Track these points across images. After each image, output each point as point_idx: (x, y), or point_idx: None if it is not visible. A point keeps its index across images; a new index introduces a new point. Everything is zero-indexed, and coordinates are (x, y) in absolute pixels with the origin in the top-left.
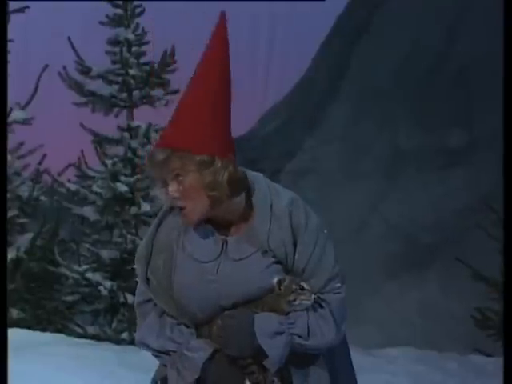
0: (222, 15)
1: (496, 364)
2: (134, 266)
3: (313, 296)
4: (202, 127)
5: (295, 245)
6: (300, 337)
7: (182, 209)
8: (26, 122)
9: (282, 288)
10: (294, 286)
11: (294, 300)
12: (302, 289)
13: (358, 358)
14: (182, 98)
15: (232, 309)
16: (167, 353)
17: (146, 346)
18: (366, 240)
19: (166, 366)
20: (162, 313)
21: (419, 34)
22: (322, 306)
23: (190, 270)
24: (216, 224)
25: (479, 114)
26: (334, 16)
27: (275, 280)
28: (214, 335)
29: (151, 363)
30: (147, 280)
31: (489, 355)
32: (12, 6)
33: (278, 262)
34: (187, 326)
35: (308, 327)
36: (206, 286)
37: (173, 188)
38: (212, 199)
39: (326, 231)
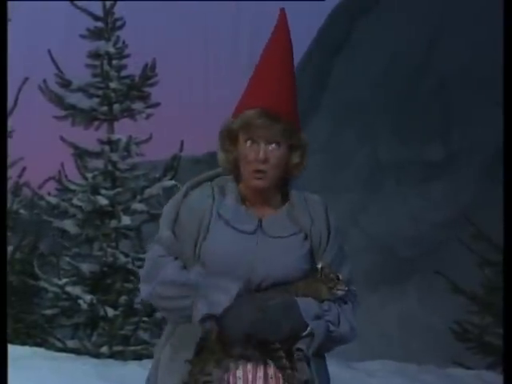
0: (282, 11)
1: (475, 377)
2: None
3: (346, 288)
4: (297, 109)
5: (328, 240)
6: (332, 324)
7: (259, 171)
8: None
9: (323, 274)
10: (332, 275)
11: (333, 288)
12: (338, 279)
13: (337, 370)
14: (275, 71)
15: (259, 286)
16: (194, 287)
17: (171, 283)
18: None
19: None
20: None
21: (399, 49)
22: (346, 302)
23: (228, 237)
24: (250, 203)
25: (458, 127)
26: (314, 30)
27: (320, 265)
28: (243, 320)
29: (130, 377)
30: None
31: (468, 368)
32: None
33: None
34: None
35: (338, 316)
36: (243, 255)
37: (265, 152)
38: (287, 175)
39: None
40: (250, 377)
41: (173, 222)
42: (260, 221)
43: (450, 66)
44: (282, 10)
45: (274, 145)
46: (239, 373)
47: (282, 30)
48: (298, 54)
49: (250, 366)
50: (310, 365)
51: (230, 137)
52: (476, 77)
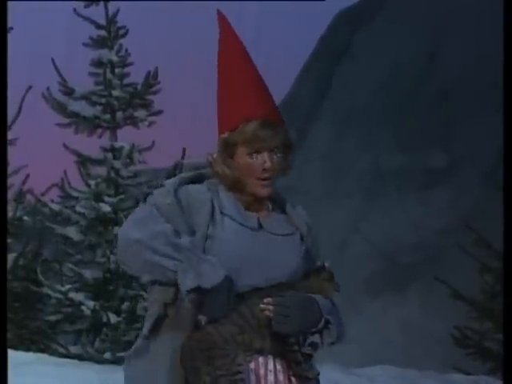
0: (220, 14)
1: (474, 382)
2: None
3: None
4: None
5: (316, 244)
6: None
7: (265, 179)
8: (9, 142)
9: (328, 273)
10: (332, 275)
11: (335, 287)
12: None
13: (339, 376)
14: (251, 77)
15: (268, 280)
16: (185, 254)
17: (165, 240)
18: (348, 259)
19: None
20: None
21: (400, 56)
22: (333, 303)
23: (237, 233)
24: (242, 203)
25: (459, 135)
26: (315, 39)
27: (327, 264)
28: (258, 316)
29: None
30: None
31: (467, 373)
32: None
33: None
34: None
35: (338, 313)
36: (254, 250)
37: (271, 160)
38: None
39: None
40: (261, 371)
41: (171, 194)
42: (259, 219)
43: (451, 74)
44: (220, 13)
45: (275, 151)
46: (252, 365)
47: (230, 32)
48: (300, 62)
49: (261, 359)
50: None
51: (227, 151)
52: (476, 85)
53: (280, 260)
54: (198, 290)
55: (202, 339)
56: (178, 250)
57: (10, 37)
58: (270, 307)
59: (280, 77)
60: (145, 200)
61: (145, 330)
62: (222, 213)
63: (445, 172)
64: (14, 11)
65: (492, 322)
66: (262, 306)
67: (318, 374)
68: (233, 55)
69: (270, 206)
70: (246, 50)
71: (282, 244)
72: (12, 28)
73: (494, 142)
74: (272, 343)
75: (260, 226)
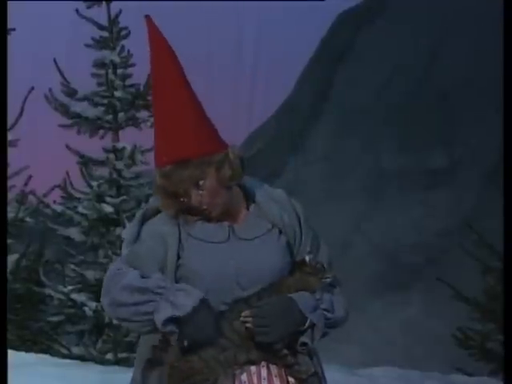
0: (148, 19)
1: (477, 383)
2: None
3: (332, 274)
4: (205, 128)
5: (300, 230)
6: (328, 311)
7: (203, 210)
8: (11, 143)
9: (310, 266)
10: (318, 265)
11: (322, 277)
12: (323, 267)
13: (341, 377)
14: (164, 111)
15: (250, 288)
16: (156, 292)
17: (131, 289)
18: (350, 259)
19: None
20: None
21: (402, 58)
22: (334, 286)
23: (204, 252)
24: (216, 219)
25: (460, 135)
26: (317, 40)
27: (307, 258)
28: (238, 330)
29: None
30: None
31: (470, 374)
32: None
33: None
34: None
35: (332, 303)
36: (223, 265)
37: (196, 195)
38: (230, 184)
39: None
40: (255, 380)
41: (132, 242)
42: (232, 227)
43: (453, 75)
44: (148, 17)
45: (199, 184)
46: (244, 377)
47: (157, 45)
48: (301, 63)
49: (253, 369)
50: (313, 357)
51: (166, 190)
52: (478, 85)
53: (259, 263)
54: (175, 320)
55: (182, 367)
56: (146, 292)
57: (12, 38)
58: (249, 319)
59: (281, 78)
60: (146, 201)
61: (137, 376)
62: (189, 235)
63: (446, 172)
64: (15, 12)
65: (494, 322)
66: (241, 319)
67: (315, 373)
68: (159, 81)
69: (251, 206)
70: (177, 67)
71: (259, 246)
72: (14, 29)
73: (496, 142)
74: (259, 353)
75: (232, 233)
